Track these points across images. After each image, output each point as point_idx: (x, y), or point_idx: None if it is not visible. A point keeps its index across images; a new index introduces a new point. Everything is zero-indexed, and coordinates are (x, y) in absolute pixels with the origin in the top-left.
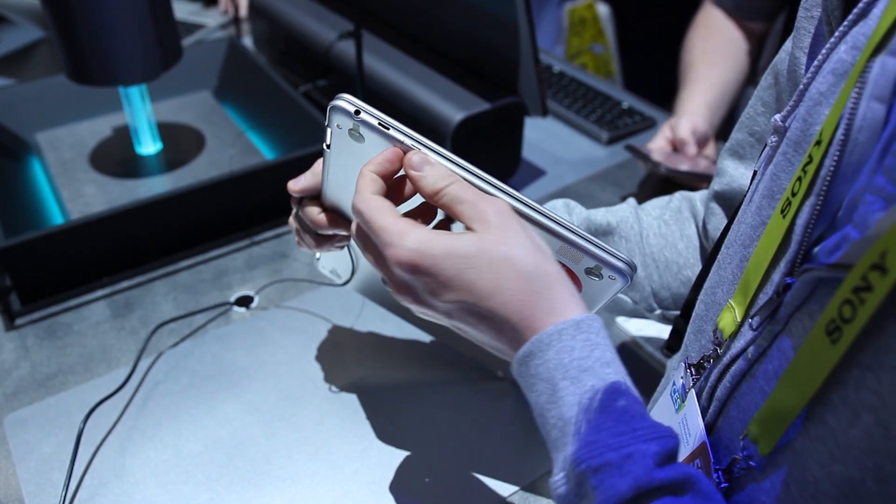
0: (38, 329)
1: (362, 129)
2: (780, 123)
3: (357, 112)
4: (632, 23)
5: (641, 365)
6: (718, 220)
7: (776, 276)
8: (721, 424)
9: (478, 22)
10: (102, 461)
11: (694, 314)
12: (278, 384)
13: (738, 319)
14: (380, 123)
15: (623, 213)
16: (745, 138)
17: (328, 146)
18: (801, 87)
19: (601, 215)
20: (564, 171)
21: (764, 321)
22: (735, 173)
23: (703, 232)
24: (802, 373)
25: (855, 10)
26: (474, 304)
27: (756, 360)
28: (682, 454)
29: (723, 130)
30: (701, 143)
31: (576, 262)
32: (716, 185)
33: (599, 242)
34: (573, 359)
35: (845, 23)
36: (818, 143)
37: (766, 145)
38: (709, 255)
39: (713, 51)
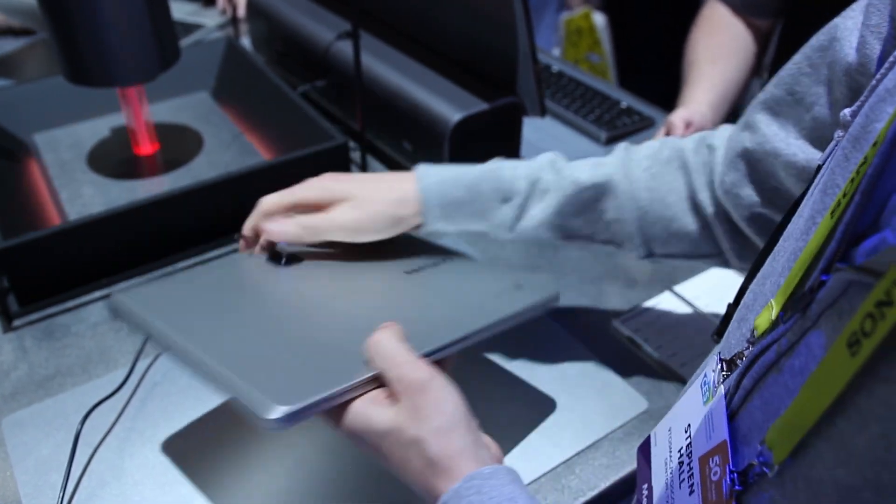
0: (36, 330)
1: None
2: (849, 118)
3: None
4: (628, 33)
5: (640, 365)
6: (740, 177)
7: (814, 274)
8: (742, 414)
9: (476, 22)
10: (100, 462)
11: (742, 302)
12: None
13: (773, 318)
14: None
15: (611, 167)
16: (783, 96)
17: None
18: (874, 82)
19: (587, 175)
20: None
21: (795, 316)
22: (768, 131)
23: (718, 185)
24: (822, 384)
25: None
26: (389, 468)
27: (784, 353)
28: (703, 449)
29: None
30: None
31: None
32: (746, 140)
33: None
34: None
35: None
36: (875, 144)
37: (832, 140)
38: (766, 243)
39: (717, 48)
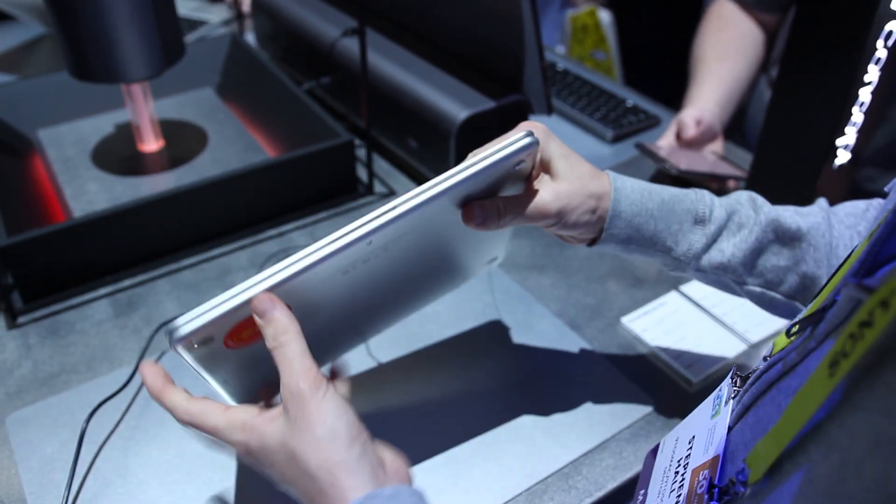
0: (41, 328)
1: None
2: None
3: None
4: (633, 30)
5: (647, 365)
6: None
7: (831, 293)
8: (735, 430)
9: (483, 19)
10: (105, 461)
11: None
12: None
13: (790, 336)
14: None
15: (814, 217)
16: None
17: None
18: None
19: (790, 218)
20: None
21: (803, 334)
22: None
23: None
24: (802, 405)
25: None
26: (284, 484)
27: (787, 372)
28: (697, 462)
29: (733, 123)
30: (707, 137)
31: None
32: None
33: (480, 161)
34: None
35: None
36: None
37: None
38: None
39: (725, 45)
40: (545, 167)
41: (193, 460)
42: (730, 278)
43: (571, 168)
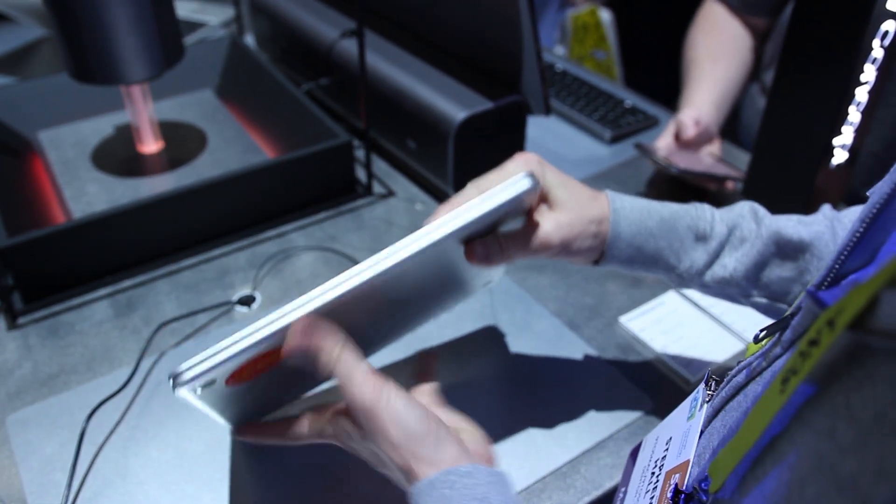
0: (41, 328)
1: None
2: None
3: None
4: (634, 29)
5: (645, 365)
6: None
7: (800, 299)
8: (706, 432)
9: (481, 20)
10: (105, 461)
11: None
12: None
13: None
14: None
15: (818, 226)
16: None
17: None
18: None
19: (793, 229)
20: (568, 170)
21: (771, 341)
22: None
23: None
24: (756, 418)
25: None
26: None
27: (754, 377)
28: (671, 464)
29: (726, 129)
30: (704, 139)
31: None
32: None
33: (483, 204)
34: None
35: None
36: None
37: None
38: None
39: (717, 47)
40: (543, 197)
41: (193, 460)
42: (734, 291)
43: (570, 195)
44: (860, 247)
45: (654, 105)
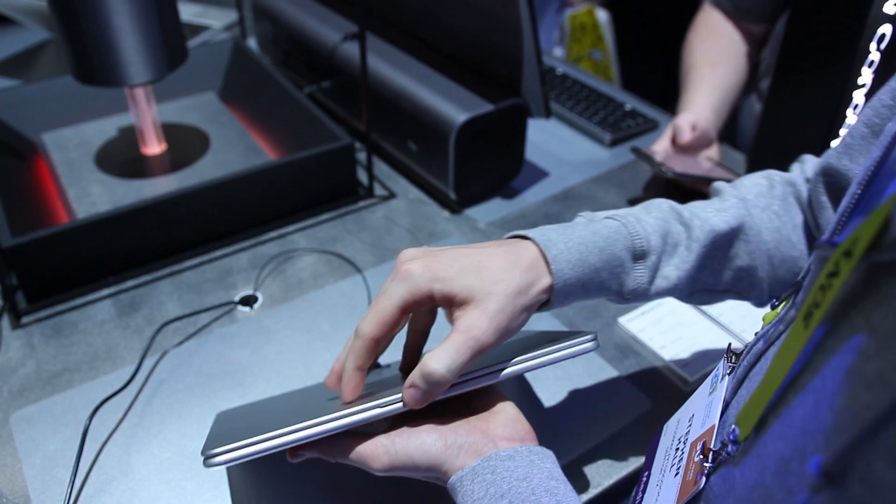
0: (44, 327)
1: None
2: None
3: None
4: (631, 29)
5: (644, 364)
6: (830, 214)
7: (808, 263)
8: (733, 402)
9: (481, 23)
10: (108, 458)
11: None
12: (282, 383)
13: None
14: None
15: (737, 211)
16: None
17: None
18: None
19: (722, 222)
20: (567, 173)
21: (785, 303)
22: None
23: (813, 224)
24: (782, 359)
25: None
26: None
27: (773, 342)
28: (695, 435)
29: (723, 135)
30: (702, 143)
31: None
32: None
33: (554, 351)
34: (473, 500)
35: None
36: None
37: None
38: None
39: (714, 52)
40: (449, 302)
41: (194, 458)
42: (680, 296)
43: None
44: (858, 209)
45: (654, 108)
